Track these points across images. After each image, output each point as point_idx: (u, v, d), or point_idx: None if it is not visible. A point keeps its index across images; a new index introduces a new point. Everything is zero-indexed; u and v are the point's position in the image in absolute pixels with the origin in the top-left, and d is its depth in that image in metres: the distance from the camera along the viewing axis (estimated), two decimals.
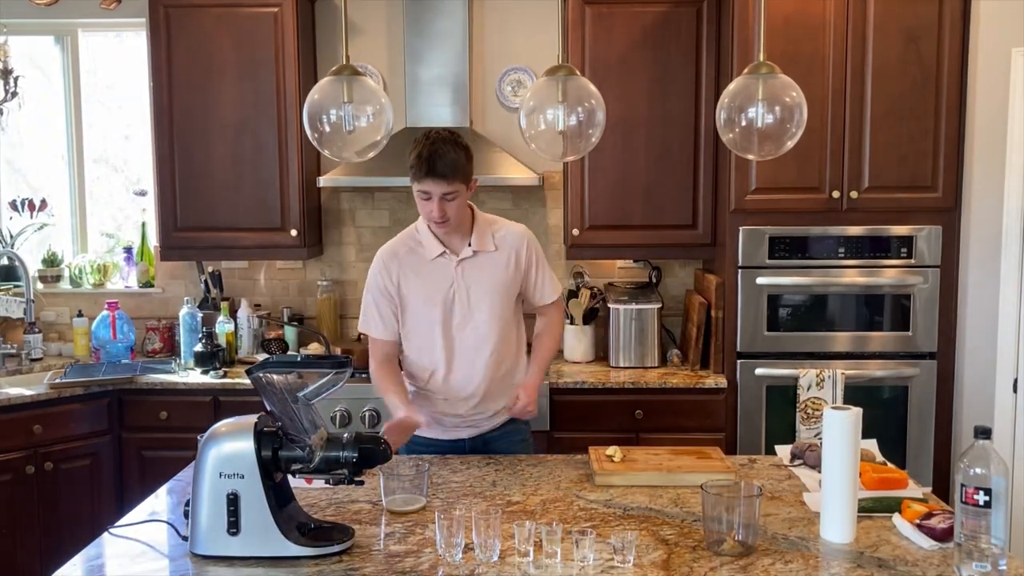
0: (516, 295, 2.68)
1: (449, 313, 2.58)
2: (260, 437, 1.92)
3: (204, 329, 3.87)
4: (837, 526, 1.97)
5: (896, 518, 2.06)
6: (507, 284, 2.64)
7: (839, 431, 1.96)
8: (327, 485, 2.28)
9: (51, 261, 4.29)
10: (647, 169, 3.79)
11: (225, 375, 3.71)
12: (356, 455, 1.94)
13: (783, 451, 2.61)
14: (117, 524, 2.11)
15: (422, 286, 2.59)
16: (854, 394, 3.51)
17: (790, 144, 2.25)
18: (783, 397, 3.57)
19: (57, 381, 3.61)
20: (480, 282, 2.59)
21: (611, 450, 2.48)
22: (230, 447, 1.91)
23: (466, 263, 2.59)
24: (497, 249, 2.63)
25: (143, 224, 4.28)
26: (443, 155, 2.41)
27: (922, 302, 3.56)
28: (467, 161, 2.50)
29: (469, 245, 2.60)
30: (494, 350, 2.63)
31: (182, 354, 3.95)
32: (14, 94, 3.91)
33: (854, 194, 3.52)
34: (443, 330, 2.59)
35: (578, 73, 2.26)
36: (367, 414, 3.56)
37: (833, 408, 1.99)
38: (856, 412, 1.97)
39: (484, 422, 2.70)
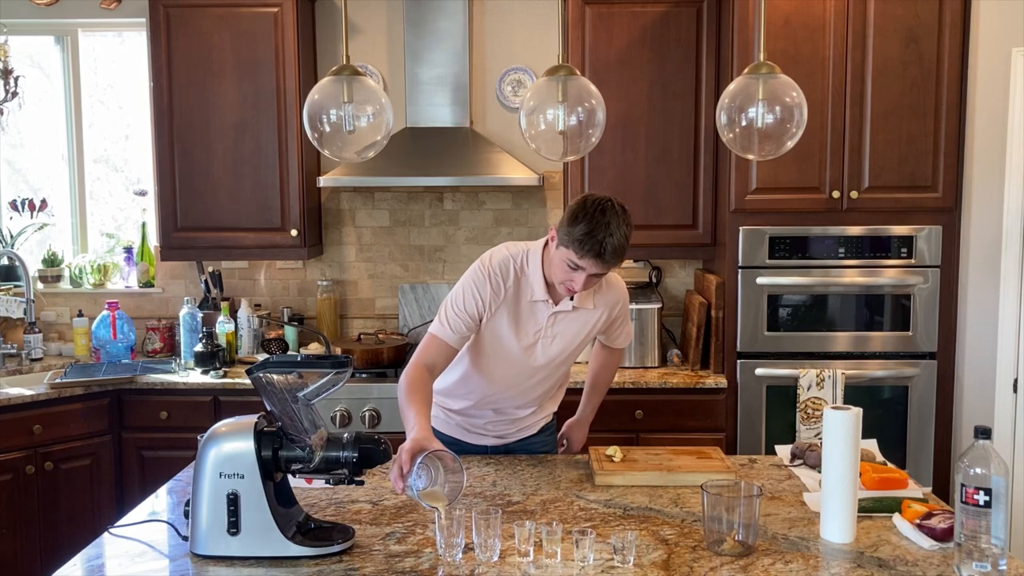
0: (585, 345, 2.59)
1: (526, 354, 2.46)
2: (260, 437, 1.92)
3: (204, 329, 3.87)
4: (837, 526, 1.97)
5: (896, 518, 2.06)
6: (590, 336, 2.56)
7: (839, 431, 1.96)
8: (327, 485, 2.28)
9: (51, 261, 4.30)
10: (647, 169, 3.79)
11: (225, 375, 3.72)
12: (356, 455, 1.94)
13: (783, 451, 2.61)
14: (117, 524, 2.11)
15: (512, 322, 2.43)
16: (854, 394, 3.51)
17: (790, 144, 2.25)
18: (783, 397, 3.58)
19: (57, 381, 3.61)
20: (566, 334, 2.47)
21: (611, 450, 2.48)
22: (230, 447, 1.91)
23: (560, 315, 2.45)
24: (595, 307, 2.50)
25: (143, 224, 4.28)
26: (615, 238, 2.22)
27: (922, 302, 3.56)
28: (628, 242, 2.30)
29: (571, 299, 2.44)
30: (552, 386, 2.63)
31: (182, 354, 3.96)
32: (14, 94, 3.92)
33: (854, 194, 3.53)
34: (514, 366, 2.48)
35: (578, 73, 2.26)
36: (367, 414, 3.56)
37: (833, 408, 1.99)
38: (856, 412, 1.97)
39: (513, 435, 2.68)
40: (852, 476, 1.96)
